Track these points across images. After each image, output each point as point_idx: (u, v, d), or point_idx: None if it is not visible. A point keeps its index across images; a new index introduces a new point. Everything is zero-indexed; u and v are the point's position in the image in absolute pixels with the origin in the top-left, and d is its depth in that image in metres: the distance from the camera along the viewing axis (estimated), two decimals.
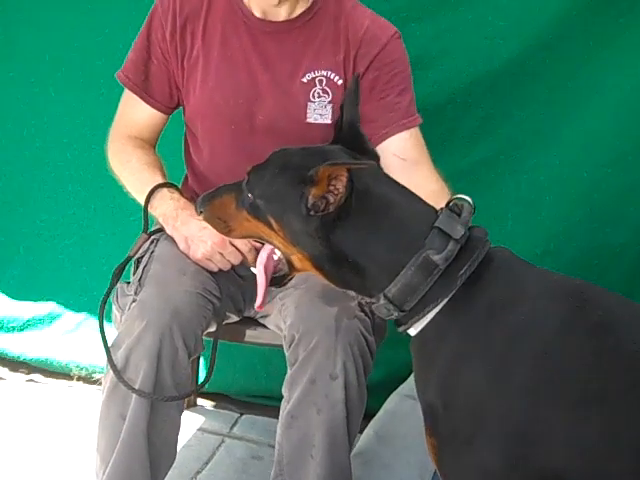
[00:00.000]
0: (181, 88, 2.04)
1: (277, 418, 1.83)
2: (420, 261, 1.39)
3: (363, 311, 1.81)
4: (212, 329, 1.96)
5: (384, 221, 1.43)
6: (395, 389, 2.40)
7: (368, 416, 1.99)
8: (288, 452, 1.80)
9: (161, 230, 2.01)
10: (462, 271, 1.39)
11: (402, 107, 1.97)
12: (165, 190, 1.98)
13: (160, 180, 2.01)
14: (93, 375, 2.80)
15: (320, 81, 1.97)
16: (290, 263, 1.54)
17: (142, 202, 1.99)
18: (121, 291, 1.93)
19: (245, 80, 1.98)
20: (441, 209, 1.45)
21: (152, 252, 1.97)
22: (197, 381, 2.53)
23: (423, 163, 1.98)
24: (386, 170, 1.61)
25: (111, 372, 1.78)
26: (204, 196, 1.66)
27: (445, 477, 1.45)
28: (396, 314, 1.43)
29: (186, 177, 2.19)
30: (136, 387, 1.75)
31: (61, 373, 2.85)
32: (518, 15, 2.34)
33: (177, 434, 1.87)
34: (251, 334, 2.10)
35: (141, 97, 2.07)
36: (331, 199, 1.39)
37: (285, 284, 1.64)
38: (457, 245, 1.39)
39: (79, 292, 2.82)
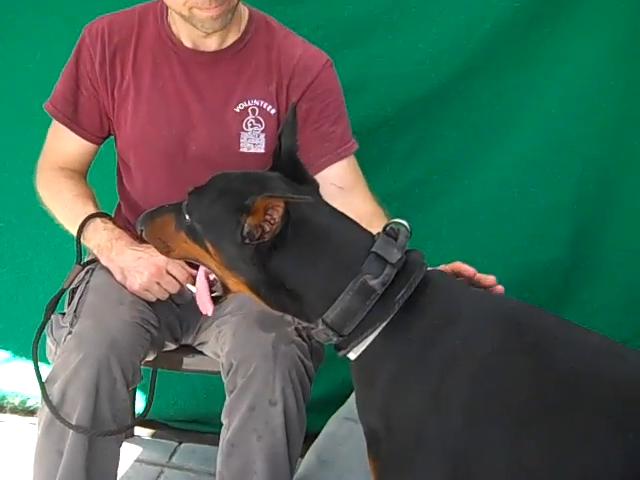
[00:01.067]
0: (112, 118, 2.03)
1: (216, 445, 1.81)
2: (358, 286, 1.39)
3: (300, 336, 1.81)
4: (150, 358, 1.94)
5: (321, 248, 1.44)
6: (335, 409, 2.38)
7: (309, 438, 1.98)
8: None
9: (95, 261, 1.98)
10: (399, 295, 1.39)
11: (337, 136, 1.99)
12: (98, 220, 1.96)
13: (92, 210, 1.98)
14: (27, 402, 2.75)
15: (253, 110, 1.96)
16: (225, 286, 1.53)
17: (75, 233, 1.96)
18: (56, 323, 1.89)
19: (177, 110, 1.97)
20: (378, 234, 1.46)
21: (87, 282, 1.95)
22: (134, 411, 2.49)
23: (359, 187, 2.00)
24: (324, 197, 1.61)
25: (46, 408, 1.75)
26: (145, 214, 1.64)
27: None
28: (335, 339, 1.43)
29: (119, 205, 2.16)
30: (73, 422, 1.72)
31: None
32: (446, 41, 2.38)
33: (117, 467, 1.84)
34: (189, 362, 2.09)
35: (70, 128, 2.05)
36: (267, 228, 1.39)
37: (219, 303, 1.62)
38: (394, 269, 1.40)
39: (13, 322, 2.76)
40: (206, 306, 1.60)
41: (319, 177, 1.85)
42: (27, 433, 1.78)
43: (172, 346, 2.04)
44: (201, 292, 1.60)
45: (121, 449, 1.85)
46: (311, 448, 2.20)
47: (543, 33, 2.36)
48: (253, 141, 1.96)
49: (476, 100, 2.42)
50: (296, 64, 1.96)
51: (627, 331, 2.39)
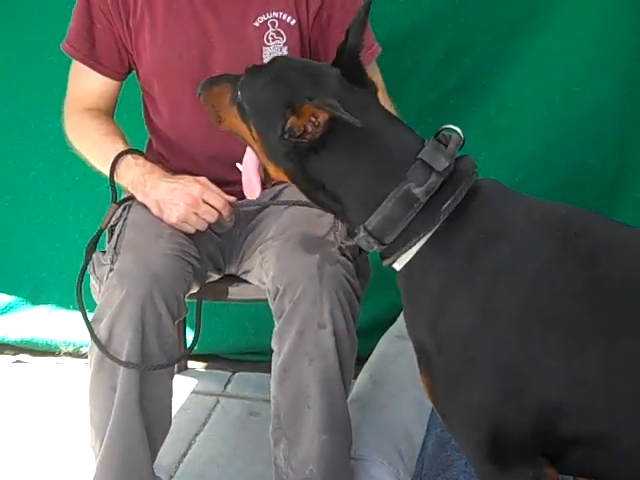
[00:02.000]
0: (131, 51, 1.99)
1: (270, 373, 1.81)
2: (400, 194, 1.35)
3: (345, 255, 1.79)
4: (194, 290, 1.93)
5: (364, 153, 1.39)
6: (384, 331, 2.40)
7: (360, 360, 1.98)
8: (284, 405, 1.78)
9: (131, 198, 1.96)
10: (445, 205, 1.35)
11: None
12: (129, 157, 1.93)
13: (122, 148, 1.95)
14: (80, 350, 2.76)
15: (272, 23, 1.92)
16: (266, 171, 1.52)
17: (107, 173, 1.93)
18: (97, 261, 1.88)
19: (195, 32, 1.93)
20: (428, 140, 1.41)
21: (125, 219, 1.93)
22: (185, 344, 2.51)
23: (382, 90, 1.96)
24: None
25: (96, 347, 1.75)
26: (207, 80, 1.63)
27: (442, 415, 1.44)
28: (376, 247, 1.41)
29: (150, 141, 2.14)
30: (123, 358, 1.72)
31: (47, 351, 2.82)
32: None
33: (170, 399, 1.85)
34: (234, 291, 2.07)
35: (90, 66, 2.01)
36: (309, 129, 1.36)
37: (263, 189, 1.61)
38: (440, 178, 1.35)
39: (55, 271, 2.77)
40: (252, 188, 1.59)
41: None
42: (84, 373, 1.81)
43: (216, 277, 2.03)
44: (248, 172, 1.59)
45: (176, 382, 1.87)
46: (364, 368, 2.22)
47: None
48: (276, 55, 1.90)
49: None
50: None
51: None
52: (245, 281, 2.05)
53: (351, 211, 1.42)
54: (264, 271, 1.86)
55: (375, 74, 1.96)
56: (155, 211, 1.88)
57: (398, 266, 1.42)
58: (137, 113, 2.13)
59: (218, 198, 1.85)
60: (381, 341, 2.36)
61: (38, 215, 2.76)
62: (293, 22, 1.93)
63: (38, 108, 2.63)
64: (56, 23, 2.21)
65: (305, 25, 1.93)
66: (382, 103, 1.88)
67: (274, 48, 1.93)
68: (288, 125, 1.37)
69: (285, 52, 1.93)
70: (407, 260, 1.40)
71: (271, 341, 1.81)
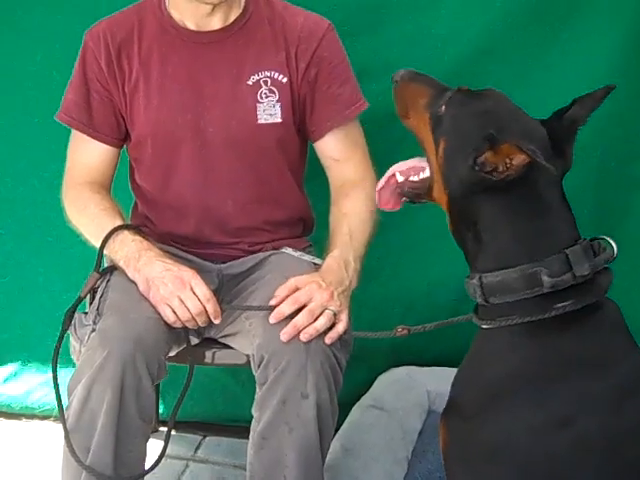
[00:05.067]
0: (125, 115, 2.02)
1: (241, 438, 1.82)
2: (530, 272, 1.35)
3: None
4: (172, 353, 1.93)
5: (529, 217, 1.39)
6: (357, 400, 2.40)
7: None
8: (260, 473, 1.77)
9: (113, 268, 1.96)
10: (561, 305, 1.35)
11: (344, 98, 2.03)
12: (126, 232, 1.95)
13: (120, 223, 1.97)
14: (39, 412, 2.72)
15: (265, 82, 1.98)
16: (430, 188, 1.51)
17: (98, 244, 1.94)
18: (79, 322, 1.89)
19: (190, 94, 1.98)
20: (583, 240, 1.41)
21: (108, 280, 1.94)
22: (158, 408, 2.49)
23: (356, 158, 2.05)
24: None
25: (73, 409, 1.74)
26: (407, 71, 1.62)
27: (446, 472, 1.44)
28: (479, 300, 1.41)
29: (135, 205, 2.17)
30: (100, 419, 1.72)
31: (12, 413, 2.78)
32: (458, 23, 2.37)
33: (144, 465, 1.85)
34: (213, 355, 2.07)
35: (89, 135, 2.04)
36: (500, 168, 1.36)
37: (418, 203, 1.60)
38: (572, 281, 1.35)
39: (18, 333, 2.71)
40: (383, 200, 1.61)
41: (320, 144, 2.02)
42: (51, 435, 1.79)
43: (195, 340, 2.03)
44: (384, 184, 1.60)
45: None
46: (336, 437, 2.20)
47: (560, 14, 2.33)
48: (269, 112, 1.98)
49: (492, 82, 2.38)
50: (300, 31, 1.99)
51: None
52: (224, 345, 2.06)
53: (481, 257, 1.42)
54: (249, 338, 1.86)
55: (348, 143, 2.04)
56: (143, 287, 1.87)
57: (485, 325, 1.42)
58: (120, 178, 2.15)
59: (205, 290, 1.83)
60: (354, 410, 2.36)
61: (5, 275, 2.71)
62: (285, 80, 1.99)
63: (13, 169, 2.61)
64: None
65: (295, 82, 1.99)
66: (355, 168, 2.03)
67: (267, 104, 1.98)
68: (482, 159, 1.37)
69: (278, 109, 1.98)
70: (499, 325, 1.40)
71: (243, 405, 1.80)
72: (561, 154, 1.44)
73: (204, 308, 1.82)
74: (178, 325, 1.84)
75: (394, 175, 1.59)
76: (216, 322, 1.85)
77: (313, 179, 2.17)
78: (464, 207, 1.43)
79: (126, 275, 1.91)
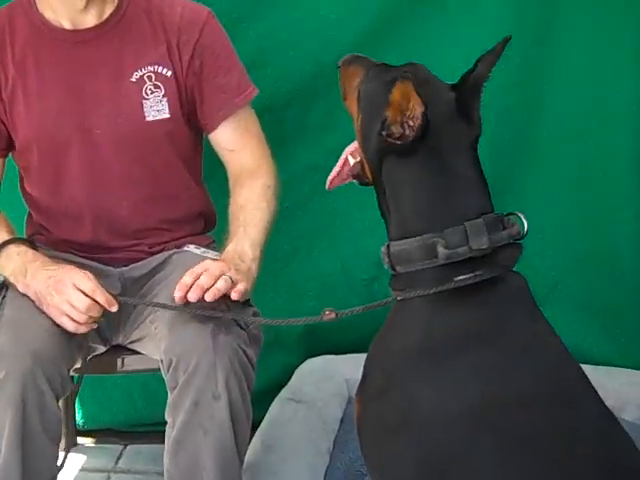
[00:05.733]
0: (6, 122, 1.95)
1: (162, 444, 1.76)
2: (428, 243, 1.34)
3: (238, 324, 1.76)
4: (78, 365, 1.87)
5: (431, 187, 1.37)
6: (277, 394, 2.37)
7: (254, 425, 1.94)
8: (178, 479, 1.73)
9: (5, 283, 1.89)
10: (462, 277, 1.34)
11: (232, 86, 1.99)
12: (11, 246, 1.87)
13: (5, 238, 1.89)
14: None
15: (149, 77, 1.93)
16: (363, 169, 1.50)
17: None
18: None
19: (71, 97, 1.91)
20: (488, 214, 1.38)
21: (3, 297, 1.87)
22: (74, 420, 2.43)
23: (250, 146, 2.02)
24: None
25: None
26: (350, 55, 1.60)
27: (361, 449, 1.43)
28: (388, 267, 1.42)
29: (29, 214, 2.08)
30: (3, 440, 1.65)
31: None
32: (347, 3, 2.36)
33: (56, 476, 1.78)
34: (122, 363, 2.02)
35: None
36: (407, 132, 1.35)
37: (364, 184, 1.54)
38: (468, 253, 1.33)
39: None
40: (332, 177, 1.58)
41: (214, 136, 1.98)
42: None
43: (102, 348, 1.98)
44: (340, 169, 1.58)
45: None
46: (256, 434, 2.19)
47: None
48: (157, 107, 1.93)
49: (389, 58, 2.37)
50: (180, 21, 1.94)
51: None
52: (133, 351, 2.00)
53: (391, 226, 1.42)
54: (156, 341, 1.82)
55: (241, 132, 2.01)
56: (37, 302, 1.80)
57: (398, 297, 1.42)
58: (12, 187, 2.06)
59: (88, 283, 1.75)
60: (273, 404, 2.34)
61: None
62: (169, 73, 1.94)
63: None
64: None
65: (180, 74, 1.94)
66: (250, 156, 1.99)
67: (154, 100, 1.93)
68: (387, 118, 1.36)
69: (165, 103, 1.93)
70: (406, 298, 1.39)
71: (163, 411, 1.76)
72: (469, 118, 1.43)
73: (94, 301, 1.74)
74: (82, 330, 1.77)
75: (347, 160, 1.57)
76: (113, 310, 1.77)
77: (214, 172, 2.13)
78: (380, 178, 1.42)
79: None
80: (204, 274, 1.71)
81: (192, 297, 1.69)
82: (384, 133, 1.37)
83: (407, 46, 2.35)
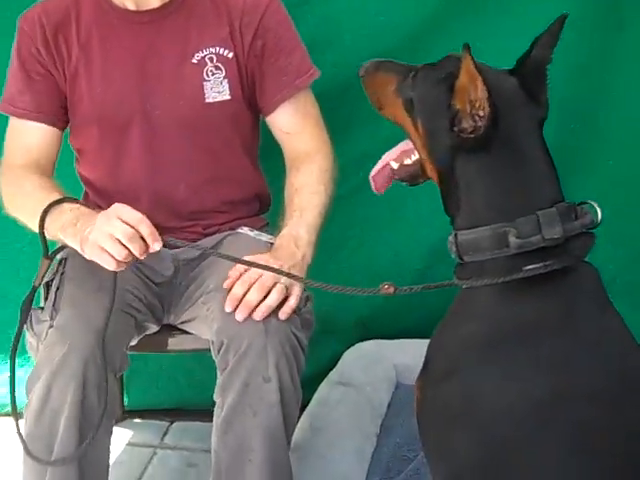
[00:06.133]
0: (68, 99, 1.97)
1: (208, 422, 1.78)
2: (500, 232, 1.33)
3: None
4: (133, 342, 1.90)
5: (504, 176, 1.36)
6: (324, 378, 2.38)
7: (301, 406, 1.95)
8: (226, 459, 1.74)
9: (62, 248, 1.85)
10: (529, 267, 1.32)
11: (293, 68, 1.98)
12: (65, 204, 1.79)
13: (58, 197, 1.84)
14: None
15: (211, 58, 1.94)
16: (423, 168, 1.48)
17: (37, 224, 1.79)
18: (36, 318, 1.82)
19: (134, 77, 1.93)
20: (561, 203, 1.36)
21: (62, 274, 1.88)
22: (123, 399, 2.46)
23: (307, 130, 2.01)
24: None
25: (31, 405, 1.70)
26: (371, 62, 1.56)
27: (420, 435, 1.42)
28: (454, 257, 1.41)
29: (86, 194, 2.09)
30: (64, 412, 1.67)
31: None
32: None
33: (108, 460, 1.81)
34: (173, 342, 2.04)
35: (32, 118, 1.96)
36: (479, 123, 1.33)
37: (416, 184, 1.56)
38: (542, 243, 1.32)
39: None
40: (377, 186, 1.59)
41: (272, 118, 1.98)
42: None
43: (155, 327, 2.00)
44: (378, 168, 1.58)
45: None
46: (303, 415, 2.20)
47: None
48: (217, 89, 1.94)
49: (450, 43, 2.33)
50: (243, 4, 1.94)
51: None
52: (183, 331, 2.02)
53: (460, 216, 1.40)
54: (208, 323, 1.82)
55: (300, 116, 2.00)
56: (80, 251, 1.71)
57: (463, 285, 1.41)
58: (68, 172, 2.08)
59: (133, 213, 1.65)
60: (321, 387, 2.35)
61: None
62: (230, 55, 1.94)
63: None
64: None
65: (242, 56, 1.95)
66: (309, 139, 1.99)
67: (214, 82, 1.94)
68: (457, 111, 1.34)
69: (225, 85, 1.94)
70: (473, 287, 1.38)
71: (207, 390, 1.77)
72: (536, 100, 1.41)
73: (137, 233, 1.63)
74: (121, 267, 1.66)
75: (388, 164, 1.57)
76: (155, 248, 1.64)
77: (269, 154, 2.13)
78: (450, 175, 1.40)
79: (79, 261, 1.78)
80: (256, 286, 1.71)
81: (239, 317, 1.70)
82: (456, 129, 1.36)
83: (472, 30, 2.30)
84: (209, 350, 1.81)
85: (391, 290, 1.58)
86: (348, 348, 2.50)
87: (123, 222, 1.63)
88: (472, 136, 1.34)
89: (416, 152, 1.50)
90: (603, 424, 1.26)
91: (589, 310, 1.34)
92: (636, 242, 2.44)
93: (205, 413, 1.86)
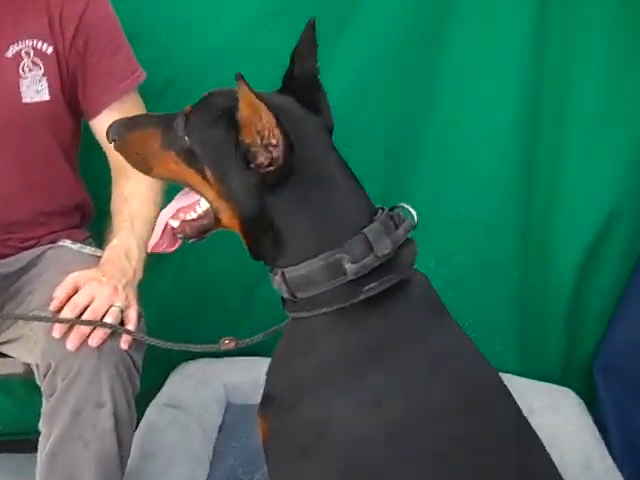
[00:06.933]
0: None
1: (31, 453, 1.65)
2: (332, 261, 1.27)
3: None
4: None
5: (320, 201, 1.29)
6: (151, 398, 2.27)
7: None
8: None
9: None
10: (368, 287, 1.27)
11: (118, 69, 1.89)
12: None
13: None
14: None
15: (27, 53, 1.81)
16: (217, 218, 1.36)
17: None
18: None
19: None
20: (381, 212, 1.32)
21: None
22: None
23: None
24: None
25: None
26: (119, 123, 1.42)
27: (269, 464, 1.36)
28: (286, 296, 1.32)
29: None
30: None
31: None
32: None
33: None
34: None
35: None
36: (275, 154, 1.24)
37: (203, 239, 1.43)
38: (376, 262, 1.27)
39: None
40: (160, 248, 1.45)
41: (96, 122, 1.87)
42: None
43: None
44: (159, 234, 1.44)
45: None
46: (133, 441, 2.07)
47: None
48: (35, 88, 1.81)
49: (271, 42, 2.22)
50: None
51: None
52: (1, 354, 1.87)
53: (283, 255, 1.31)
54: (30, 344, 1.69)
55: (135, 103, 1.91)
56: None
57: (295, 315, 1.34)
58: None
59: None
60: (149, 410, 2.24)
61: None
62: (50, 50, 1.82)
63: None
64: None
65: (62, 53, 1.83)
66: None
67: (32, 80, 1.81)
68: (248, 148, 1.26)
69: (44, 84, 1.81)
70: (307, 315, 1.32)
71: (38, 423, 1.63)
72: (319, 112, 1.37)
73: None
74: None
75: (167, 224, 1.45)
76: None
77: (89, 161, 2.01)
78: (261, 216, 1.32)
79: None
80: (88, 313, 1.59)
81: (70, 346, 1.57)
82: (253, 166, 1.28)
83: None
84: (26, 375, 1.69)
85: (232, 345, 1.57)
86: (174, 368, 2.42)
87: None
88: (272, 168, 1.27)
89: (202, 203, 1.40)
90: (458, 439, 1.25)
91: (431, 321, 1.33)
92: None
93: (27, 443, 1.75)
